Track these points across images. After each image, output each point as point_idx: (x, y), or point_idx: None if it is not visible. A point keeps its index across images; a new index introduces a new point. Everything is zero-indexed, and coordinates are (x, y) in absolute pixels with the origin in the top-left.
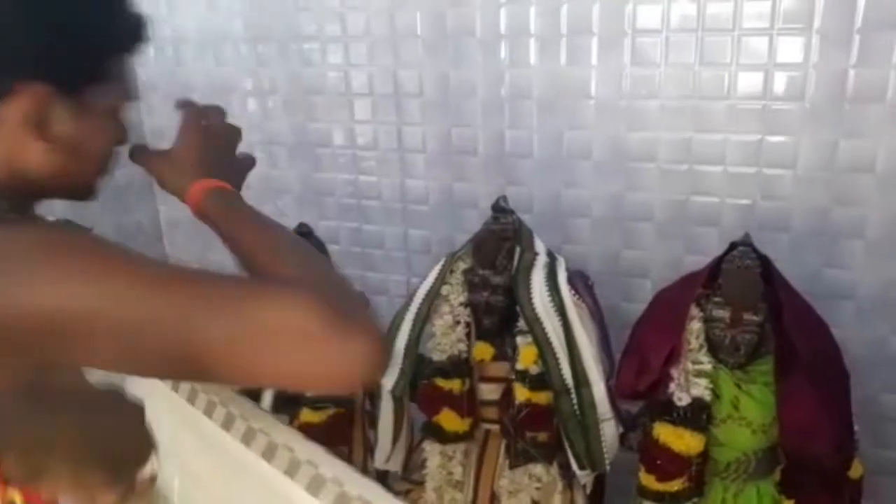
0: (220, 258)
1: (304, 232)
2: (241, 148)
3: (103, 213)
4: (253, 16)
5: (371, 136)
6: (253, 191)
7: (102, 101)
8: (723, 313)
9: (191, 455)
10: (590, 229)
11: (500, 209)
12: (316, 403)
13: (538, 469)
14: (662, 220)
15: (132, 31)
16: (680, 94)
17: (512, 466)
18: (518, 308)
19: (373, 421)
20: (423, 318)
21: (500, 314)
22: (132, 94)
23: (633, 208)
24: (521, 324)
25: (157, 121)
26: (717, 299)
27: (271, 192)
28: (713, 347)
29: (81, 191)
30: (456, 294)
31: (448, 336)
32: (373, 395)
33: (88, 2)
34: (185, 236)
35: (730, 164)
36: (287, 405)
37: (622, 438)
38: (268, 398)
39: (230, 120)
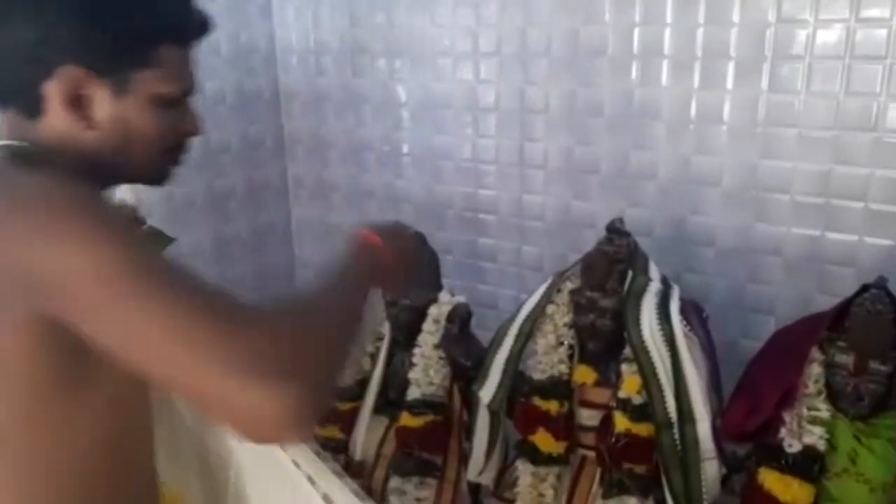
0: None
1: (419, 239)
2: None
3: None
4: (390, 31)
5: (493, 150)
6: (377, 199)
7: (150, 88)
8: (847, 359)
9: None
10: (713, 259)
11: (615, 230)
12: (414, 408)
13: (632, 502)
14: (793, 255)
15: (183, 24)
16: (821, 125)
17: (605, 496)
18: (625, 334)
19: (469, 432)
20: (527, 335)
21: (605, 339)
22: (188, 86)
23: (761, 241)
24: (628, 351)
25: (294, 124)
26: (841, 343)
27: (393, 201)
28: (833, 395)
29: (147, 175)
30: (561, 314)
31: (550, 356)
32: (471, 406)
33: None
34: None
35: (871, 201)
36: (387, 407)
37: (724, 480)
38: (370, 401)
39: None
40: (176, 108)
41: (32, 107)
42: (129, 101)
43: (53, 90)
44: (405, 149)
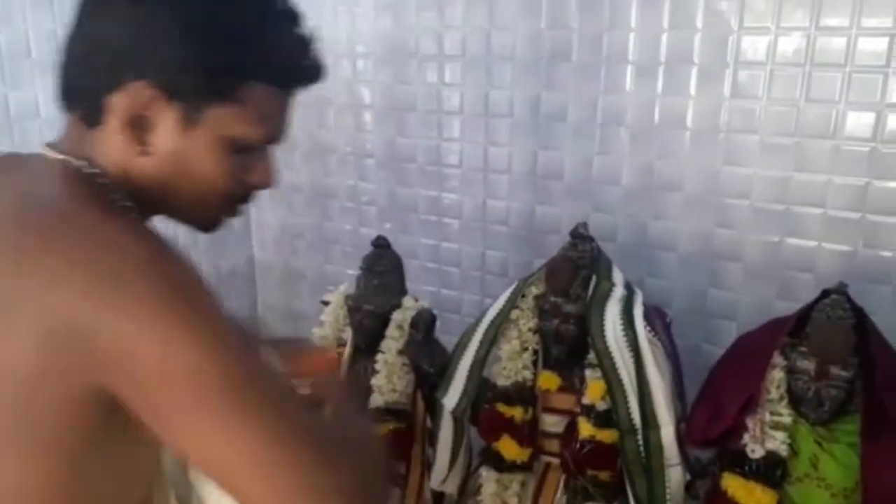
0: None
1: (382, 244)
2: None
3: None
4: (353, 33)
5: (457, 154)
6: (339, 200)
7: (225, 127)
8: (808, 365)
9: None
10: (676, 264)
11: (578, 235)
12: (377, 415)
13: None
14: (753, 261)
15: (290, 67)
16: (782, 131)
17: (570, 503)
18: (589, 339)
19: (432, 440)
20: (491, 341)
21: (569, 344)
22: (273, 134)
23: (722, 246)
24: (592, 356)
25: None
26: (802, 349)
27: (358, 202)
28: (795, 400)
29: (195, 218)
30: (525, 319)
31: (514, 361)
32: (434, 413)
33: (242, 22)
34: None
35: (831, 208)
36: None
37: (688, 486)
38: None
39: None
40: (251, 154)
41: (93, 115)
42: (196, 135)
43: (117, 104)
44: (368, 151)
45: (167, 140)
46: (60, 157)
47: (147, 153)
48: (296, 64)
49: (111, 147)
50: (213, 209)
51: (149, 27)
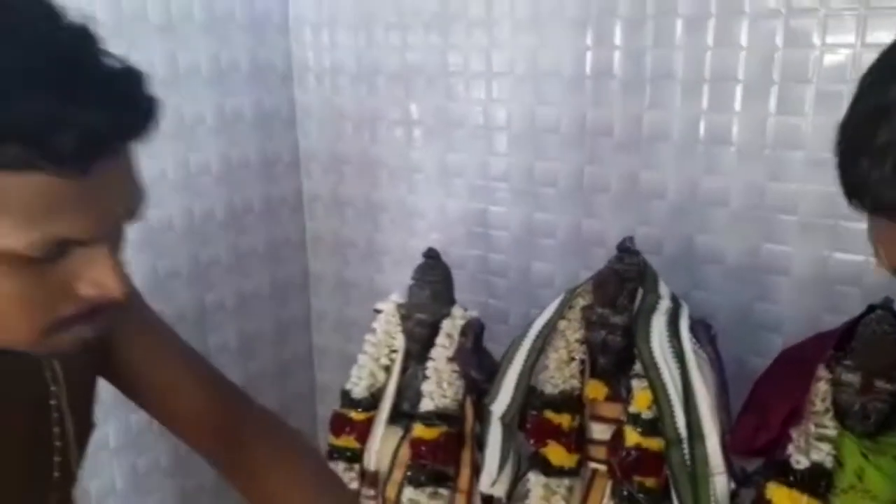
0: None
1: (432, 256)
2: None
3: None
4: (405, 51)
5: (504, 168)
6: (391, 214)
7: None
8: (853, 378)
9: None
10: (721, 278)
11: (625, 249)
12: (427, 420)
13: None
14: (800, 275)
15: (26, 139)
16: (828, 147)
17: None
18: (635, 350)
19: (481, 445)
20: (539, 351)
21: (616, 354)
22: (70, 232)
23: (769, 260)
24: (638, 367)
25: (311, 144)
26: (847, 362)
27: (408, 215)
28: (840, 413)
29: (12, 346)
30: (572, 330)
31: (562, 371)
32: (483, 419)
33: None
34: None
35: None
36: (401, 418)
37: (733, 496)
38: (384, 412)
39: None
40: (56, 263)
41: None
42: None
43: None
44: (417, 165)
45: None
46: None
47: None
48: (50, 132)
49: None
50: (19, 343)
51: None
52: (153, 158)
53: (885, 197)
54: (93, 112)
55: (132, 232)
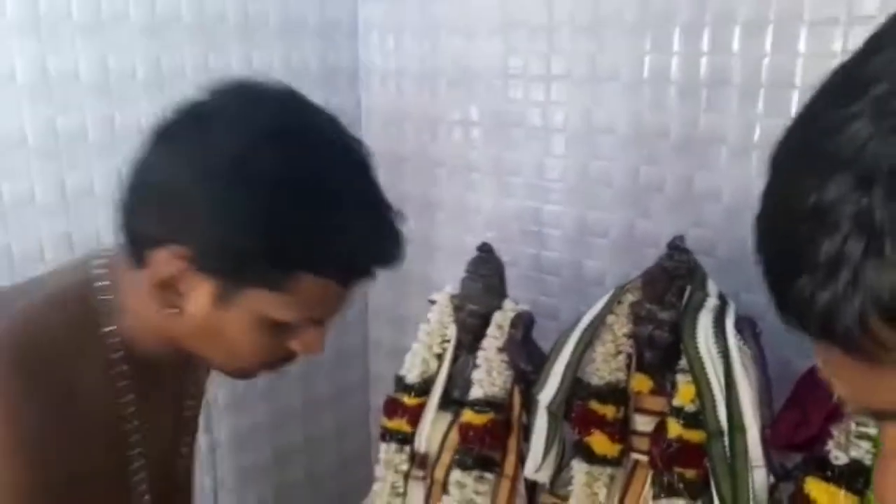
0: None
1: (486, 249)
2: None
3: None
4: (464, 56)
5: (561, 168)
6: (448, 211)
7: (263, 309)
8: None
9: None
10: None
11: (675, 247)
12: (476, 406)
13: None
14: None
15: (342, 263)
16: None
17: (655, 497)
18: (681, 346)
19: (527, 433)
20: (586, 343)
21: (662, 350)
22: (320, 316)
23: None
24: (683, 362)
25: (373, 143)
26: None
27: (465, 211)
28: None
29: (225, 371)
30: (620, 325)
31: (608, 363)
32: (530, 408)
33: (300, 211)
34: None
35: None
36: (451, 405)
37: (772, 490)
38: (435, 398)
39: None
40: (294, 329)
41: (135, 258)
42: (230, 311)
43: (154, 261)
44: (475, 164)
45: (198, 309)
46: (87, 262)
47: (175, 314)
48: (361, 262)
49: (144, 294)
50: (245, 370)
51: (200, 195)
52: None
53: (837, 324)
54: (389, 244)
55: None
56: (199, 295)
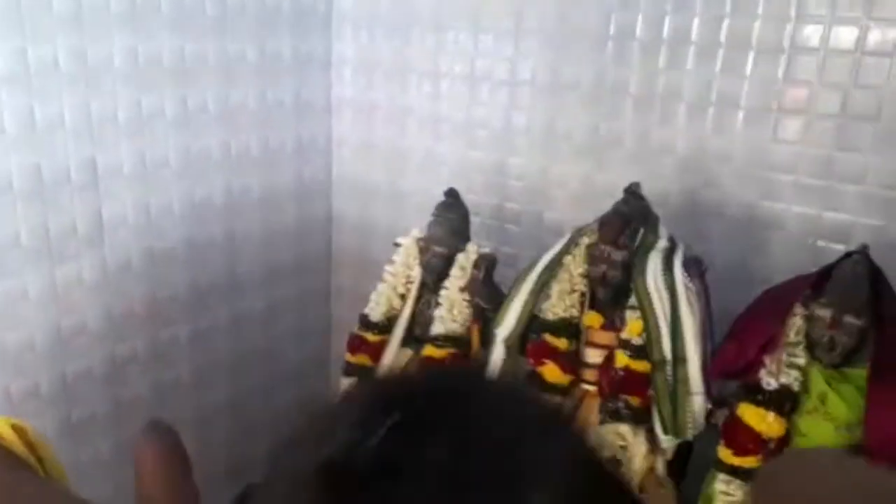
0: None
1: (453, 194)
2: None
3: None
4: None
5: (525, 122)
6: (416, 164)
7: None
8: (825, 313)
9: None
10: (721, 232)
11: (631, 192)
12: (437, 341)
13: (625, 428)
14: (793, 231)
15: None
16: (828, 113)
17: (602, 423)
18: (632, 284)
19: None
20: (543, 282)
21: (614, 288)
22: None
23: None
24: (633, 300)
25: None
26: (822, 300)
27: (433, 163)
28: (810, 345)
29: None
30: (576, 265)
31: (563, 301)
32: (487, 343)
33: None
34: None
35: (869, 185)
36: (413, 342)
37: (708, 415)
38: (398, 335)
39: None
40: None
41: None
42: None
43: None
44: (444, 117)
45: None
46: None
47: None
48: None
49: None
50: None
51: None
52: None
53: None
54: None
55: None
56: None
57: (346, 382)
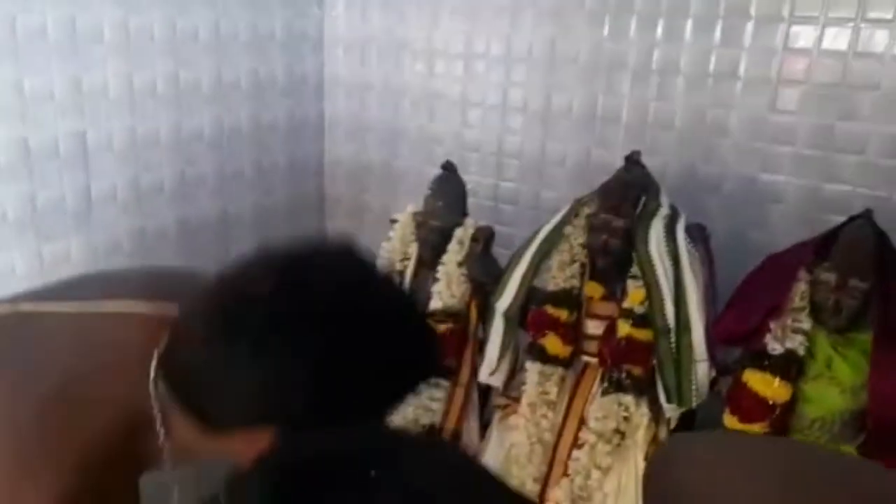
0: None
1: (449, 168)
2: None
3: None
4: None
5: (522, 96)
6: (411, 142)
7: None
8: (830, 277)
9: None
10: (720, 206)
11: (632, 160)
12: (435, 316)
13: (628, 399)
14: (795, 203)
15: (401, 393)
16: (828, 83)
17: (604, 393)
18: (634, 253)
19: (483, 346)
20: (544, 253)
21: (615, 257)
22: None
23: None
24: (635, 268)
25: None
26: (826, 264)
27: (430, 143)
28: (815, 310)
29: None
30: (577, 235)
31: (563, 271)
32: (485, 318)
33: (373, 378)
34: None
35: (872, 155)
36: None
37: (713, 382)
38: None
39: None
40: None
41: (212, 431)
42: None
43: (242, 439)
44: (439, 94)
45: (252, 450)
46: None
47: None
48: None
49: (216, 442)
50: None
51: (279, 380)
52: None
53: None
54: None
55: None
56: (258, 441)
57: None
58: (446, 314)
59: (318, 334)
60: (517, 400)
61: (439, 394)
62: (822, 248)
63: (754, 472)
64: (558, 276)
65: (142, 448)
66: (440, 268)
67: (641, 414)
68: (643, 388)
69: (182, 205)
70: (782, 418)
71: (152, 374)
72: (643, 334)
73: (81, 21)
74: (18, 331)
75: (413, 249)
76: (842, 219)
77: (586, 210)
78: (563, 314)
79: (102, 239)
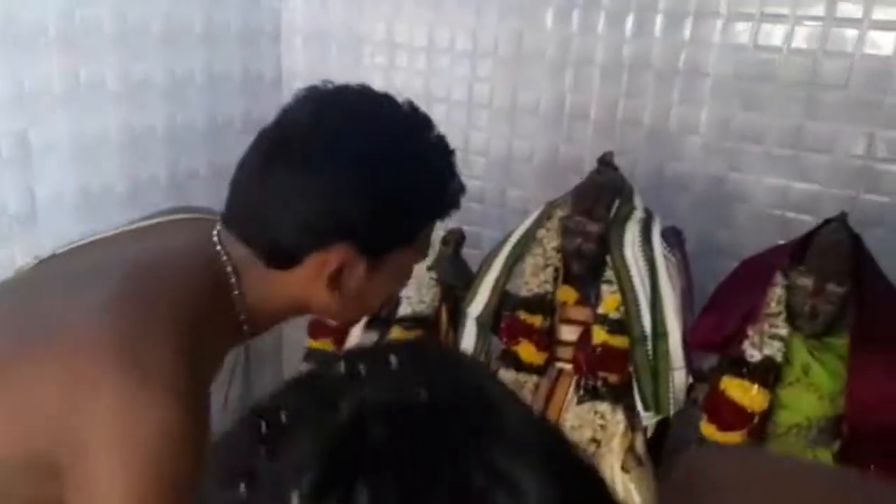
0: None
1: None
2: None
3: None
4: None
5: (487, 92)
6: None
7: (403, 261)
8: (806, 281)
9: None
10: (688, 207)
11: (605, 162)
12: (405, 322)
13: (603, 407)
14: (763, 204)
15: (453, 206)
16: (798, 81)
17: (579, 402)
18: (608, 257)
19: (455, 348)
20: (516, 257)
21: (589, 261)
22: (426, 253)
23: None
24: (609, 273)
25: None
26: (802, 268)
27: None
28: (792, 315)
29: (340, 321)
30: (550, 238)
31: (537, 276)
32: (456, 323)
33: (418, 179)
34: None
35: (838, 154)
36: (379, 324)
37: (689, 390)
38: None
39: None
40: (405, 270)
41: (285, 265)
42: (378, 275)
43: (319, 261)
44: (401, 89)
45: (354, 283)
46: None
47: (336, 290)
48: (457, 199)
49: (294, 283)
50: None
51: (342, 195)
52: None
53: None
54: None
55: None
56: (357, 270)
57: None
58: (415, 320)
59: (362, 144)
60: None
61: None
62: (798, 252)
63: (785, 497)
64: (531, 282)
65: (223, 314)
66: None
67: (617, 422)
68: (619, 396)
69: (135, 206)
70: (760, 425)
71: (215, 233)
72: (619, 341)
73: (24, 14)
74: (85, 250)
75: None
76: (810, 219)
77: (559, 213)
78: (536, 320)
79: (50, 244)
